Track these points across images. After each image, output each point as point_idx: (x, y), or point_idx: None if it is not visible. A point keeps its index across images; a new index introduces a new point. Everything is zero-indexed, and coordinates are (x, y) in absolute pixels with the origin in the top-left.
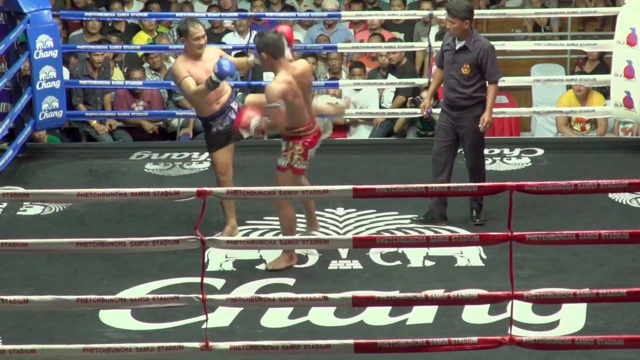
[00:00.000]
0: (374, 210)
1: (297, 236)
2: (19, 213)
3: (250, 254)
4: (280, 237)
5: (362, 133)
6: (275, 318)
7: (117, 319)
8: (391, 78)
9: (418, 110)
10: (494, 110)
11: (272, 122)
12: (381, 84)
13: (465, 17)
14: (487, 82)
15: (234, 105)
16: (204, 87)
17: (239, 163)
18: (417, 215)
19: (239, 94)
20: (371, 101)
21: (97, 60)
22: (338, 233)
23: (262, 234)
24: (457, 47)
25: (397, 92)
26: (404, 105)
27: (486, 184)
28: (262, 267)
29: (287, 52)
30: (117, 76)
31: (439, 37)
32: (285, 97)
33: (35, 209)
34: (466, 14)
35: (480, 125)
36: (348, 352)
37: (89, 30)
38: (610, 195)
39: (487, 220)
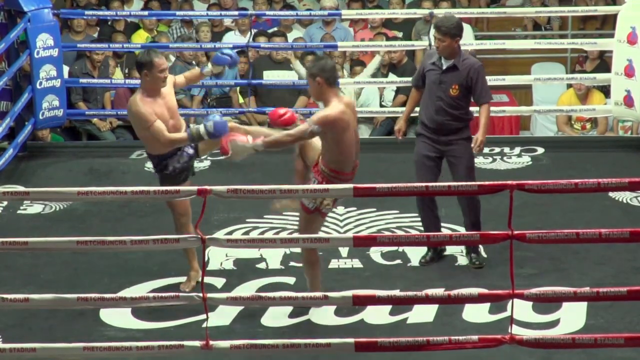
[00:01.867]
0: (375, 209)
1: (297, 235)
2: (19, 212)
3: (251, 253)
4: (281, 235)
5: (362, 132)
6: (276, 317)
7: (117, 317)
8: (392, 77)
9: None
10: (494, 109)
11: (287, 138)
12: (382, 83)
13: (456, 35)
14: (477, 103)
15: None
16: (185, 137)
17: (239, 162)
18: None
19: (191, 125)
20: (372, 100)
21: (97, 59)
22: (338, 232)
23: (262, 233)
24: (444, 67)
25: (398, 91)
26: (404, 104)
27: (486, 182)
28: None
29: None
30: (118, 76)
31: None
32: (335, 126)
33: (35, 208)
34: (457, 31)
35: (474, 146)
36: (348, 351)
37: (75, 28)
38: (611, 194)
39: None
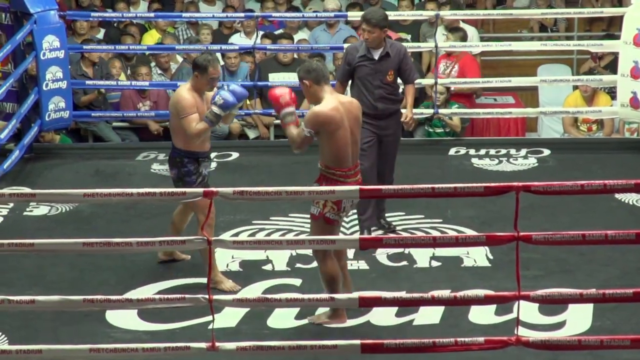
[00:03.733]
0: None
1: (303, 237)
2: (25, 213)
3: (257, 255)
4: (287, 237)
5: None
6: (282, 318)
7: (123, 319)
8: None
9: (425, 111)
10: (500, 110)
11: (295, 137)
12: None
13: (384, 26)
14: (406, 83)
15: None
16: (206, 125)
17: (245, 164)
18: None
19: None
20: None
21: (91, 58)
22: (345, 234)
23: (268, 234)
24: (377, 57)
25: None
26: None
27: (493, 184)
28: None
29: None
30: (123, 79)
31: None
32: (327, 124)
33: (41, 210)
34: (385, 22)
35: (405, 124)
36: (355, 352)
37: (78, 31)
38: (617, 195)
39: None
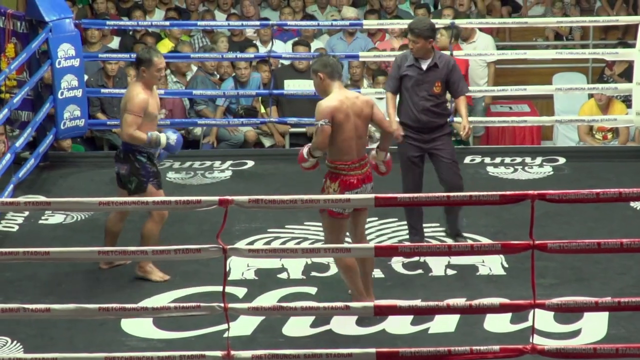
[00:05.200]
0: (396, 219)
1: (319, 245)
2: (40, 222)
3: (272, 263)
4: (302, 246)
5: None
6: (297, 327)
7: (139, 327)
8: None
9: None
10: (515, 118)
11: (315, 140)
12: None
13: (429, 36)
14: (456, 96)
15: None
16: (144, 138)
17: (261, 172)
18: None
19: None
20: None
21: (111, 69)
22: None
23: (283, 243)
24: (425, 67)
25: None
26: None
27: (508, 192)
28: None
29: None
30: None
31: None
32: (334, 115)
33: (57, 218)
34: (430, 32)
35: (462, 133)
36: None
37: (89, 40)
38: (632, 203)
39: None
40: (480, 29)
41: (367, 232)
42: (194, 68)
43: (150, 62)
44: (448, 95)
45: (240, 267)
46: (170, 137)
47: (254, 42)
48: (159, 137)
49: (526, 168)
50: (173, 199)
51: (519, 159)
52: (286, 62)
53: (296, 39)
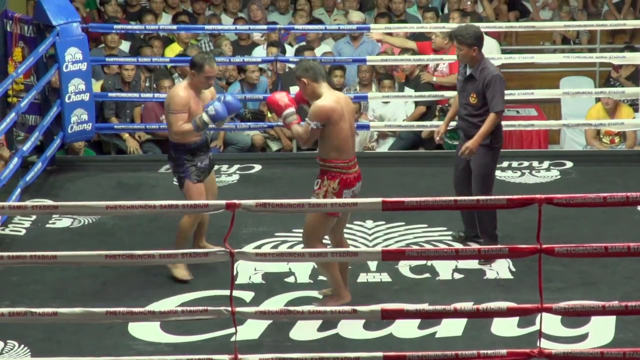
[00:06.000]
0: (403, 223)
1: (327, 249)
2: (48, 225)
3: (280, 267)
4: (310, 250)
5: (389, 146)
6: (305, 331)
7: (146, 331)
8: (409, 91)
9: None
10: (523, 122)
11: (304, 136)
12: (410, 97)
13: (473, 44)
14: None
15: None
16: (191, 128)
17: (268, 176)
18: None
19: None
20: (399, 114)
21: (128, 75)
22: (367, 246)
23: (290, 247)
24: (467, 75)
25: (417, 102)
26: (423, 115)
27: (515, 196)
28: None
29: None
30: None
31: None
32: (330, 116)
33: (64, 222)
34: (473, 40)
35: (460, 151)
36: None
37: (109, 44)
38: (639, 207)
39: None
40: (487, 33)
41: (374, 235)
42: None
43: (201, 68)
44: None
45: (247, 271)
46: (209, 110)
47: (261, 45)
48: (201, 117)
49: (533, 172)
50: (180, 203)
51: (526, 163)
52: (293, 67)
53: (303, 43)
